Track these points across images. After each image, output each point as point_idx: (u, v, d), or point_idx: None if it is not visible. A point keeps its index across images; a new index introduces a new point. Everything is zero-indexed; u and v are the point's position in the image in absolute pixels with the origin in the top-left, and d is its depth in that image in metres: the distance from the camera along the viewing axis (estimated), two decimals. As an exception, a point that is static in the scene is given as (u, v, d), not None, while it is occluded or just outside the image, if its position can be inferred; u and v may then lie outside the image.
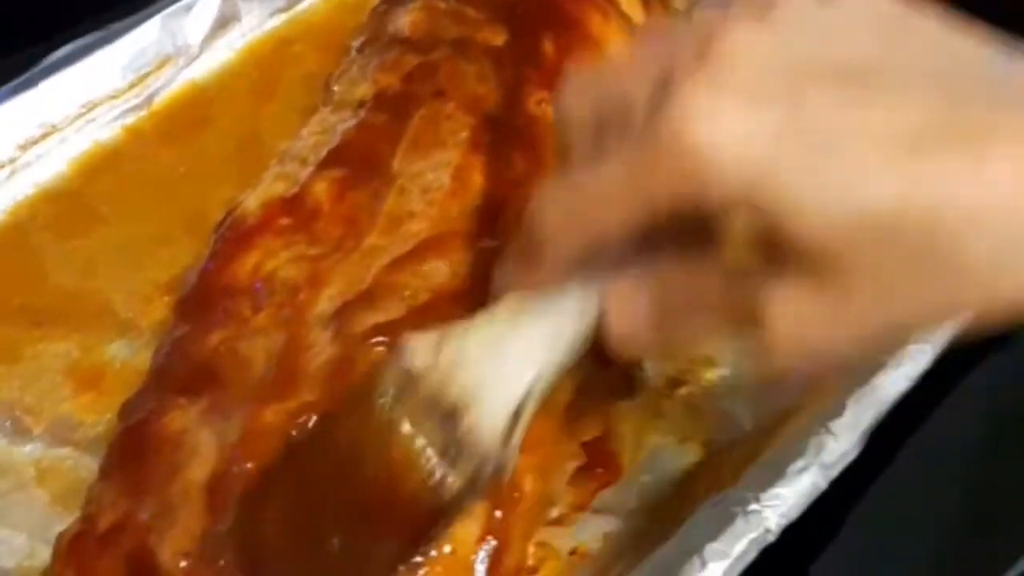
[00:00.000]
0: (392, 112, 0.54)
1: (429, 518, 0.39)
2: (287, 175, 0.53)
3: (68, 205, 0.63)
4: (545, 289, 0.37)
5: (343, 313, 0.47)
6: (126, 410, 0.48)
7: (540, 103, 0.54)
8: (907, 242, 0.29)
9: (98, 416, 0.54)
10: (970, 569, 0.49)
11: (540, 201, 0.35)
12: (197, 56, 0.67)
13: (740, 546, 0.43)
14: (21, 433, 0.54)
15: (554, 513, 0.49)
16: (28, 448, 0.53)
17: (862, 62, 0.30)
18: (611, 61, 0.35)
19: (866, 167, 0.29)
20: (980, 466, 0.52)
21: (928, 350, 0.48)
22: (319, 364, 0.45)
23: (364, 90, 0.56)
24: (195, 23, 0.67)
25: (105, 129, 0.65)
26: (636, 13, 0.61)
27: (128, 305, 0.58)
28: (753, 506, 0.44)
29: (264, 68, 0.68)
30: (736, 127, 0.29)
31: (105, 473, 0.47)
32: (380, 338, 0.45)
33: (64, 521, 0.47)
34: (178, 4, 0.66)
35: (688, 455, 0.51)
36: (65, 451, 0.53)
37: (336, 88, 0.58)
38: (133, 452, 0.46)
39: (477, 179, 0.51)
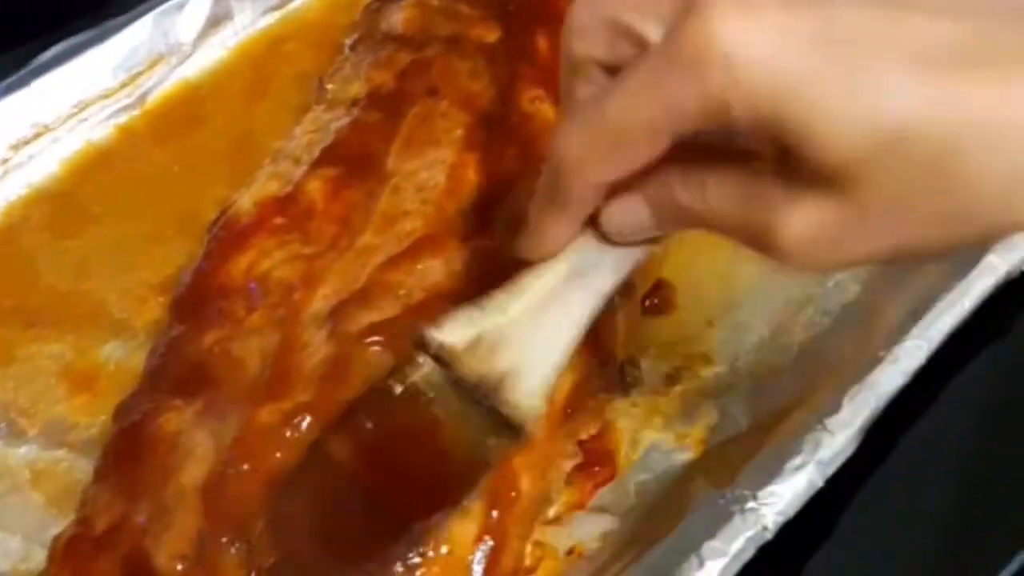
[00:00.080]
0: (386, 110, 0.54)
1: (464, 488, 0.39)
2: (281, 174, 0.53)
3: (61, 205, 0.62)
4: (576, 239, 0.36)
5: (338, 312, 0.46)
6: (121, 411, 0.48)
7: (534, 100, 0.54)
8: (927, 158, 0.29)
9: (92, 418, 0.54)
10: (967, 564, 0.49)
11: (560, 136, 0.34)
12: (190, 55, 0.67)
13: (737, 544, 0.43)
14: (16, 435, 0.54)
15: (551, 512, 0.49)
16: (23, 450, 0.53)
17: None
18: None
19: (895, 81, 0.28)
20: (976, 462, 0.52)
21: (923, 346, 0.48)
22: (314, 364, 0.45)
23: (357, 88, 0.56)
24: (187, 22, 0.67)
25: (97, 128, 0.65)
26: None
27: (122, 306, 0.58)
28: (750, 504, 0.44)
29: (257, 67, 0.68)
30: (768, 34, 0.29)
31: (100, 475, 0.47)
32: (375, 337, 0.45)
33: (59, 523, 0.47)
34: (170, 3, 0.66)
35: (685, 453, 0.51)
36: (60, 453, 0.53)
37: (329, 86, 0.58)
38: (128, 454, 0.46)
39: (471, 177, 0.51)
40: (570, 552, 0.48)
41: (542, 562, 0.48)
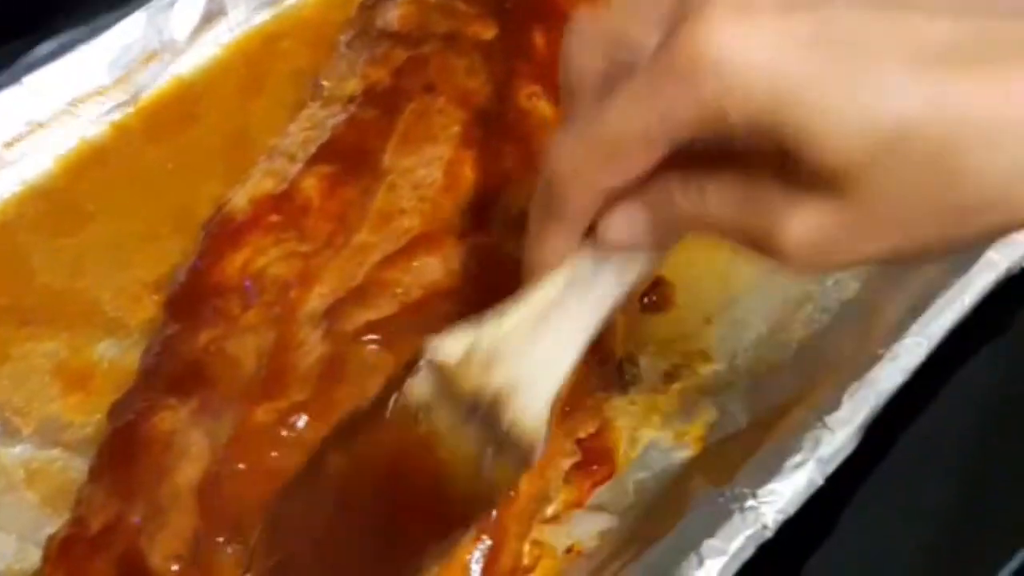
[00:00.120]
0: (382, 107, 0.53)
1: (470, 514, 0.38)
2: (276, 171, 0.53)
3: (55, 203, 0.62)
4: (574, 254, 0.35)
5: (334, 311, 0.46)
6: (115, 411, 0.48)
7: (531, 97, 0.54)
8: (927, 157, 0.29)
9: (87, 417, 0.53)
10: (968, 562, 0.49)
11: (554, 148, 0.34)
12: (184, 51, 0.67)
13: (737, 543, 0.43)
14: (10, 434, 0.53)
15: (549, 511, 0.48)
16: (18, 449, 0.53)
17: None
18: (617, 2, 0.34)
19: (895, 81, 0.28)
20: (976, 459, 0.52)
21: (923, 343, 0.48)
22: (310, 363, 0.45)
23: (353, 85, 0.56)
24: (181, 18, 0.66)
25: (91, 126, 0.64)
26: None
27: (116, 304, 0.58)
28: (750, 502, 0.44)
29: (252, 63, 0.67)
30: (766, 39, 0.29)
31: (95, 475, 0.46)
32: (372, 336, 0.45)
33: (54, 523, 0.47)
34: (164, -1, 0.66)
35: (684, 451, 0.51)
36: (54, 452, 0.53)
37: (325, 83, 0.58)
38: (123, 453, 0.46)
39: (468, 174, 0.51)
40: (569, 551, 0.48)
41: (540, 561, 0.47)
